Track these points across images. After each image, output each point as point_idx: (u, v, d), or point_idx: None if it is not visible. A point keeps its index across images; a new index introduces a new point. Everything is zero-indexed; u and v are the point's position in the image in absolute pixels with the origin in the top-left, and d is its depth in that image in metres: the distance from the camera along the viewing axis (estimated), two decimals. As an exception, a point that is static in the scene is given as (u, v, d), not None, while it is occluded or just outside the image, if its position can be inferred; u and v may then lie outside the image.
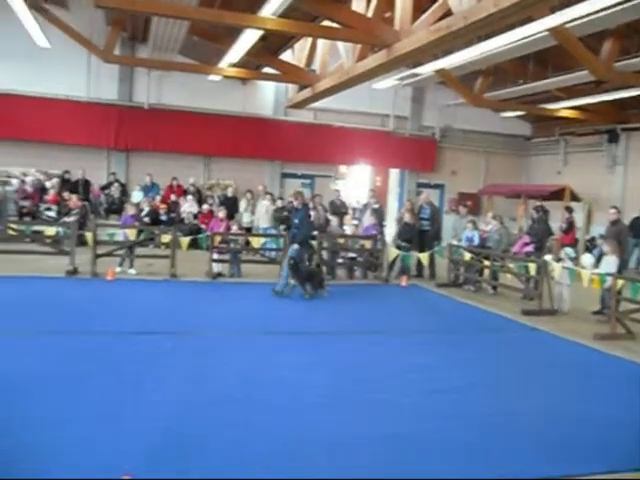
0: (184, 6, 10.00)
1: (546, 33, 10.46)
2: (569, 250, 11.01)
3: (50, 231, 11.93)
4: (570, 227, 15.11)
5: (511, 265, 11.43)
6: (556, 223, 15.06)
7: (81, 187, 16.30)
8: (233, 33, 12.50)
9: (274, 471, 4.02)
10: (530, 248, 12.10)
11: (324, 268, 12.45)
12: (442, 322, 9.41)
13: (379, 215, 14.34)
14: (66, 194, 15.51)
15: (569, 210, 15.58)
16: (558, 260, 10.74)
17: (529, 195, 19.04)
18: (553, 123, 19.84)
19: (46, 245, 11.79)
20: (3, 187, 16.33)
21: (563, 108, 16.43)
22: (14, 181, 16.09)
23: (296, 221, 11.10)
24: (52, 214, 15.20)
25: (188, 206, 16.53)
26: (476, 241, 12.52)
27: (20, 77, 16.60)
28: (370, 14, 10.08)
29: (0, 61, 16.54)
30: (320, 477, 3.98)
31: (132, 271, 11.56)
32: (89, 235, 11.34)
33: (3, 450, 4.05)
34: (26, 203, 15.32)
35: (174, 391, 5.39)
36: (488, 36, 10.62)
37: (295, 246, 10.56)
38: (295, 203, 11.81)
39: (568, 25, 10.14)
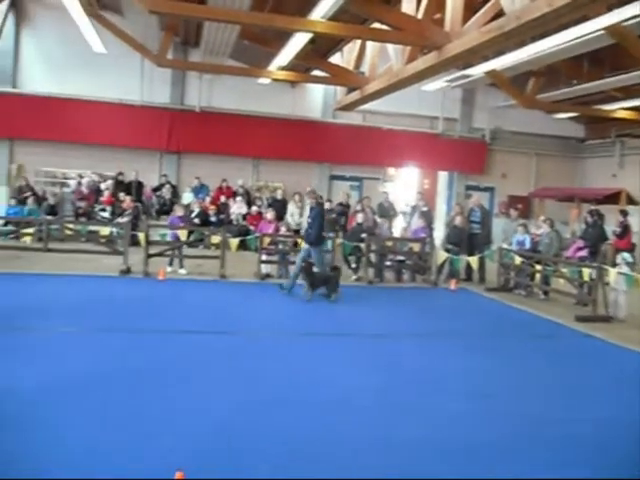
0: (235, 11, 10.13)
1: (602, 32, 10.19)
2: (626, 255, 10.67)
3: (105, 231, 12.27)
4: (625, 231, 14.66)
5: (564, 270, 11.16)
6: (611, 227, 14.65)
7: (134, 188, 16.71)
8: (283, 37, 12.62)
9: (322, 472, 4.03)
10: (584, 253, 11.79)
11: (371, 270, 12.44)
12: (492, 326, 9.27)
13: (427, 218, 14.21)
14: (121, 195, 15.92)
15: (624, 213, 15.11)
16: (614, 265, 10.44)
17: (582, 199, 18.56)
18: (609, 124, 19.26)
19: (101, 245, 12.13)
20: (61, 188, 16.93)
21: (620, 109, 15.95)
22: (71, 182, 16.64)
23: (309, 220, 10.84)
24: (106, 215, 15.63)
25: (237, 207, 16.74)
26: (527, 245, 12.28)
27: (77, 82, 17.15)
28: (420, 15, 10.02)
29: (59, 67, 17.18)
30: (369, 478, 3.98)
31: (182, 271, 11.77)
32: (141, 235, 11.60)
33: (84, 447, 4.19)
34: (82, 204, 15.81)
35: (225, 390, 5.47)
36: (541, 36, 10.42)
37: (305, 246, 10.56)
38: (309, 202, 11.49)
39: (626, 23, 9.85)
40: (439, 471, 4.15)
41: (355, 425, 4.88)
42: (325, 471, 4.04)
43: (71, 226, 12.66)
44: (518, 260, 11.97)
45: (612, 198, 16.93)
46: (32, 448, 4.06)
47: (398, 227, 15.53)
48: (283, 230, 12.86)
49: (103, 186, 16.36)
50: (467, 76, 14.99)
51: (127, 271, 11.28)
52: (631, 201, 16.98)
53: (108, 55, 15.62)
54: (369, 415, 5.13)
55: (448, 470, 4.17)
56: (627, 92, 15.30)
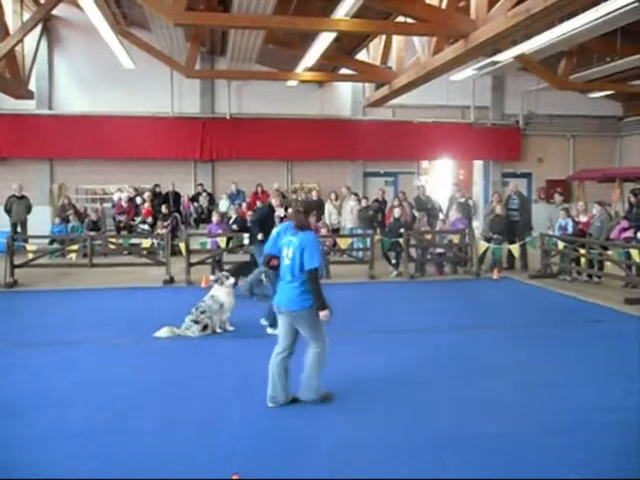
0: (259, 16, 10.24)
1: (635, 4, 9.89)
2: None
3: (146, 243, 12.49)
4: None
5: (610, 252, 10.90)
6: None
7: (171, 199, 16.96)
8: (308, 38, 12.66)
9: (378, 472, 4.04)
10: (630, 233, 11.49)
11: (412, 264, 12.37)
12: (539, 314, 9.11)
13: (465, 209, 14.04)
14: (163, 207, 16.08)
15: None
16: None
17: (624, 178, 18.08)
18: (647, 100, 18.75)
19: (143, 257, 12.36)
20: (101, 204, 17.32)
21: (658, 83, 15.52)
22: (115, 196, 17.01)
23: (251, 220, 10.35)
24: (146, 227, 15.92)
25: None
26: (570, 229, 12.04)
27: (109, 99, 17.54)
28: (444, 5, 9.95)
29: (91, 86, 17.61)
30: (426, 477, 3.97)
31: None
32: (181, 245, 11.77)
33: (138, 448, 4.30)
34: (122, 218, 16.13)
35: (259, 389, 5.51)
36: (570, 15, 10.20)
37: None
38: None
39: (659, -6, 9.57)
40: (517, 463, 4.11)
41: (406, 419, 4.87)
42: (376, 467, 4.05)
43: (113, 240, 12.94)
44: (561, 245, 11.75)
45: (655, 175, 16.47)
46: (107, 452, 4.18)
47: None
48: (324, 231, 12.85)
49: (139, 200, 16.66)
50: (496, 62, 14.77)
51: (170, 281, 11.47)
52: (675, 177, 16.49)
53: (137, 70, 15.90)
54: (420, 409, 5.11)
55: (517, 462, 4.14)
56: (664, 65, 14.85)
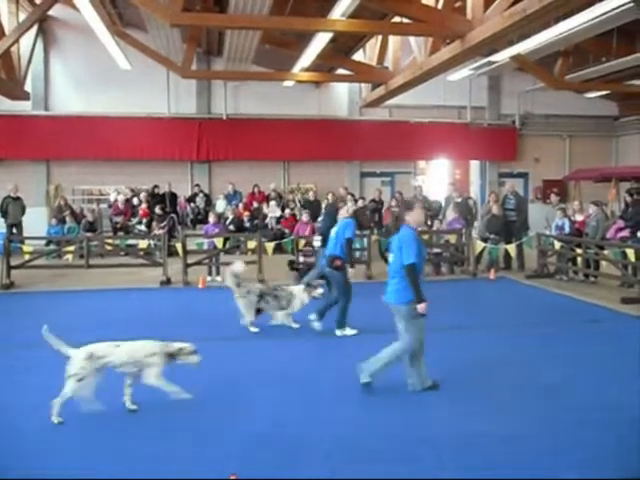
0: (255, 17, 10.23)
1: (630, 5, 9.92)
2: None
3: (143, 244, 12.48)
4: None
5: (606, 252, 10.92)
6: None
7: (168, 200, 16.96)
8: (304, 38, 12.67)
9: (379, 472, 4.05)
10: (625, 233, 11.52)
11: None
12: (536, 314, 9.12)
13: (464, 208, 14.03)
14: (157, 208, 16.07)
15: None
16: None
17: (620, 178, 18.11)
18: (642, 100, 18.80)
19: (140, 257, 12.35)
20: (97, 205, 17.30)
21: (653, 83, 15.56)
22: (111, 197, 17.00)
23: None
24: (142, 228, 15.90)
25: (271, 211, 16.85)
26: (566, 229, 12.06)
27: (105, 100, 17.52)
28: (440, 5, 9.95)
29: (87, 87, 17.59)
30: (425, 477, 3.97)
31: (218, 278, 11.88)
32: (178, 246, 11.76)
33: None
34: (119, 219, 16.11)
35: (275, 392, 5.54)
36: (565, 15, 10.22)
37: None
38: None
39: (653, -5, 9.61)
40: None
41: (408, 420, 4.88)
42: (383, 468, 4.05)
43: (110, 241, 12.92)
44: (558, 245, 11.77)
45: (651, 175, 16.49)
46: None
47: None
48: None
49: (135, 200, 16.65)
50: (492, 62, 14.78)
51: (167, 282, 11.46)
52: (672, 176, 16.52)
53: (134, 71, 15.88)
54: (416, 410, 5.12)
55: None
56: (659, 65, 14.89)
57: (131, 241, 13.11)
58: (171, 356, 5.03)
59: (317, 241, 10.08)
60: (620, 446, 4.39)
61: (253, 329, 7.79)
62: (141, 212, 16.23)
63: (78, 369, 4.75)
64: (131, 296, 10.49)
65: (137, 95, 17.66)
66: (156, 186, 17.27)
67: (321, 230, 9.99)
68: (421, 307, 5.21)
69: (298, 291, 7.85)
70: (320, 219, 10.84)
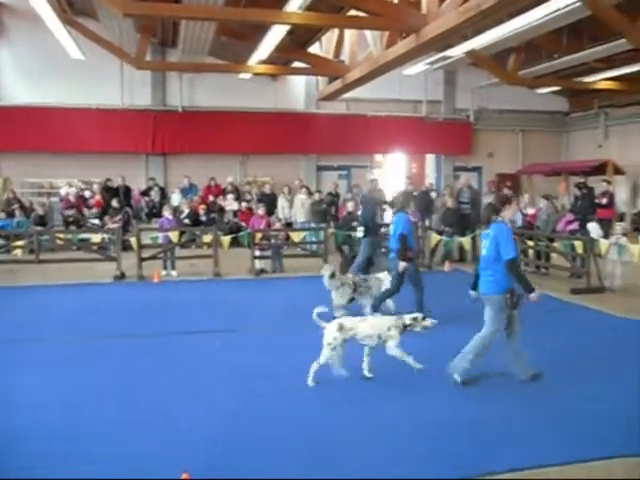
0: (210, 7, 10.10)
1: (578, 4, 10.17)
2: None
3: (96, 238, 12.22)
4: (611, 201, 14.57)
5: (556, 244, 11.20)
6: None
7: (122, 193, 16.64)
8: (260, 30, 12.57)
9: (331, 468, 4.06)
10: (574, 226, 11.84)
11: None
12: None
13: (424, 200, 14.14)
14: (114, 201, 15.76)
15: (607, 182, 15.02)
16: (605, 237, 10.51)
17: (570, 172, 18.61)
18: (591, 96, 19.31)
19: (93, 252, 12.09)
20: (48, 198, 16.86)
21: (601, 80, 15.99)
22: (62, 191, 16.56)
23: None
24: (96, 222, 15.56)
25: (227, 205, 16.70)
26: (519, 222, 12.30)
27: (57, 91, 17.06)
28: (396, 0, 10.01)
29: (38, 77, 17.10)
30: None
31: (174, 273, 11.73)
32: (133, 240, 11.56)
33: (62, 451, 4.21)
34: (71, 212, 15.72)
35: (227, 389, 5.48)
36: (519, 12, 10.41)
37: None
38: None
39: (601, -6, 9.87)
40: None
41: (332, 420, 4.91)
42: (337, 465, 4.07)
43: (61, 235, 12.61)
44: (510, 237, 11.99)
45: (599, 169, 16.97)
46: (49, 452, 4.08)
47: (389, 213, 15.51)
48: (278, 225, 12.82)
49: (88, 194, 16.29)
50: (447, 57, 14.97)
51: (121, 276, 11.25)
52: (617, 171, 17.04)
53: (86, 61, 15.51)
54: (339, 408, 5.16)
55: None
56: (608, 63, 15.32)
57: (84, 235, 12.82)
58: (406, 327, 5.59)
59: (360, 232, 10.40)
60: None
61: (342, 312, 7.84)
62: (94, 202, 15.87)
63: (331, 339, 5.42)
64: (84, 291, 10.25)
65: (90, 86, 17.25)
66: (108, 179, 16.93)
67: (363, 221, 10.37)
68: (533, 297, 5.43)
69: (384, 276, 8.24)
70: (359, 212, 11.40)
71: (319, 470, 3.96)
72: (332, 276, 8.15)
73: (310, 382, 5.39)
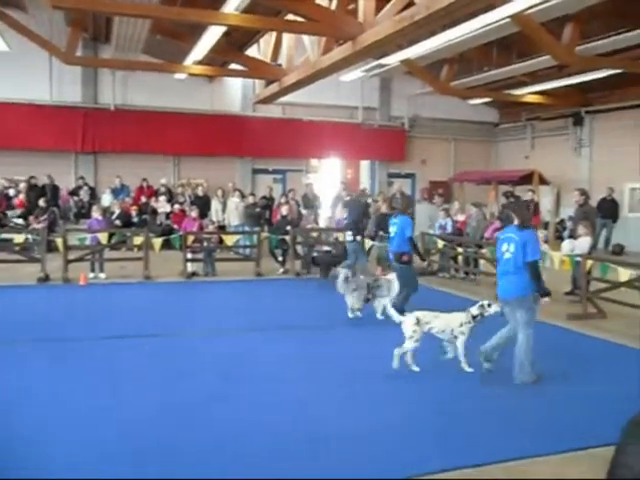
0: (145, 4, 9.90)
1: (508, 20, 10.54)
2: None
3: (19, 238, 11.73)
4: (536, 209, 15.12)
5: (484, 250, 11.53)
6: (526, 207, 15.16)
7: (49, 192, 16.05)
8: (197, 30, 12.40)
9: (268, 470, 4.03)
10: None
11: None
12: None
13: (360, 207, 14.22)
14: (41, 201, 15.16)
15: (532, 192, 15.58)
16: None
17: (499, 181, 19.24)
18: (519, 108, 20.09)
19: (15, 253, 11.60)
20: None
21: (528, 93, 16.67)
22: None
23: None
24: (20, 221, 14.94)
25: (160, 207, 16.39)
26: (449, 229, 12.62)
27: (-20, 83, 16.28)
28: (334, 7, 10.09)
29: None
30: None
31: (102, 275, 11.41)
32: (59, 241, 11.16)
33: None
34: (-8, 211, 15.05)
35: (155, 393, 5.36)
36: (452, 24, 10.68)
37: None
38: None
39: (529, 11, 10.24)
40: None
41: (290, 419, 4.90)
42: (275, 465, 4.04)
43: (-19, 235, 12.03)
44: (441, 244, 12.29)
45: (526, 179, 17.60)
46: None
47: (324, 217, 15.63)
48: (210, 228, 12.68)
49: (12, 192, 15.63)
50: (383, 65, 15.20)
51: (45, 279, 10.83)
52: (543, 181, 17.72)
53: (13, 54, 14.83)
54: (297, 408, 5.16)
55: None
56: (534, 77, 16.02)
57: (6, 235, 12.28)
58: (475, 318, 5.96)
59: (349, 236, 10.68)
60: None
61: (358, 314, 8.36)
62: (17, 202, 15.23)
63: (411, 332, 5.83)
64: (5, 294, 9.81)
65: (16, 80, 16.54)
66: (32, 177, 16.28)
67: (350, 225, 10.79)
68: (546, 300, 5.74)
69: (394, 278, 8.36)
70: (345, 215, 11.70)
71: (319, 471, 3.97)
72: (346, 280, 8.38)
73: (395, 365, 5.79)
